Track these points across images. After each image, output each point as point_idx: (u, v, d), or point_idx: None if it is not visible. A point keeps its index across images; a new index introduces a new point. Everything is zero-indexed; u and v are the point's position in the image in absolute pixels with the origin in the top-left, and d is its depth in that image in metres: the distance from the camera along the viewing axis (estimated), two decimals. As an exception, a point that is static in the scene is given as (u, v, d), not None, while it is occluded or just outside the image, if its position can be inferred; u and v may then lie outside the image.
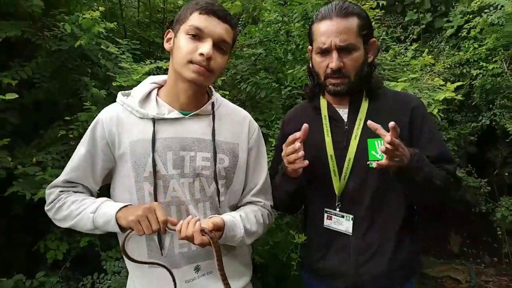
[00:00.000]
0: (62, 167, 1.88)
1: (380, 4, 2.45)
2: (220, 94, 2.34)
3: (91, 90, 1.85)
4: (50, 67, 2.05)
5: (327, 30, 1.23)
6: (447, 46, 3.54)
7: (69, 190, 1.16)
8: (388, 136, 1.06)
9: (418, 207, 1.37)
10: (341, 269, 1.30)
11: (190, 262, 1.15)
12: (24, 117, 2.04)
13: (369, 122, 1.13)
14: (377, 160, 1.19)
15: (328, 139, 1.32)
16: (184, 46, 1.08)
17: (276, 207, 1.44)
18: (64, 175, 1.17)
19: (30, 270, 1.92)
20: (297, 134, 1.16)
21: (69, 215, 1.12)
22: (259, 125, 2.63)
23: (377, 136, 1.21)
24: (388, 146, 1.07)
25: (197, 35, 1.08)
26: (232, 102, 2.90)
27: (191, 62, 1.08)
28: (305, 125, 1.17)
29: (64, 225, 1.15)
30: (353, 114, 1.32)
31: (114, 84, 1.79)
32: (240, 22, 3.61)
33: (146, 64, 1.89)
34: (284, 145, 1.20)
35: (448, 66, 3.27)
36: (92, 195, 1.19)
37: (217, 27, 1.09)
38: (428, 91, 1.84)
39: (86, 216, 1.08)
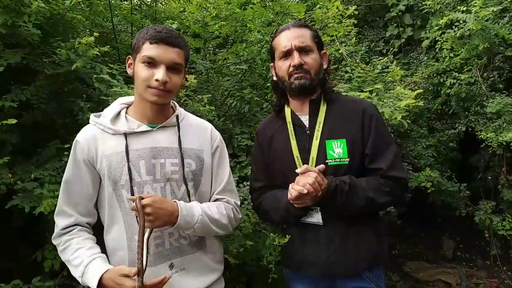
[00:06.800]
0: (58, 183, 2.05)
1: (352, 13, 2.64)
2: (207, 110, 2.53)
3: (86, 113, 2.03)
4: (48, 89, 2.24)
5: (287, 37, 1.48)
6: (425, 57, 3.71)
7: (69, 230, 1.27)
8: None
9: None
10: (314, 259, 1.45)
11: (164, 260, 1.27)
12: (24, 136, 2.21)
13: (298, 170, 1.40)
14: (334, 159, 1.43)
15: (293, 143, 1.50)
16: (142, 74, 1.22)
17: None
18: (60, 207, 1.29)
19: (30, 279, 2.05)
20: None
21: (67, 262, 1.26)
22: (244, 138, 2.82)
23: (334, 137, 1.43)
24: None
25: (151, 63, 1.21)
26: (220, 118, 3.07)
27: (149, 87, 1.22)
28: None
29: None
30: (313, 119, 1.50)
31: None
32: (229, 41, 3.81)
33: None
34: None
35: (426, 76, 3.43)
36: (90, 216, 1.32)
37: (168, 53, 1.21)
38: (393, 100, 1.99)
39: (76, 276, 1.22)
